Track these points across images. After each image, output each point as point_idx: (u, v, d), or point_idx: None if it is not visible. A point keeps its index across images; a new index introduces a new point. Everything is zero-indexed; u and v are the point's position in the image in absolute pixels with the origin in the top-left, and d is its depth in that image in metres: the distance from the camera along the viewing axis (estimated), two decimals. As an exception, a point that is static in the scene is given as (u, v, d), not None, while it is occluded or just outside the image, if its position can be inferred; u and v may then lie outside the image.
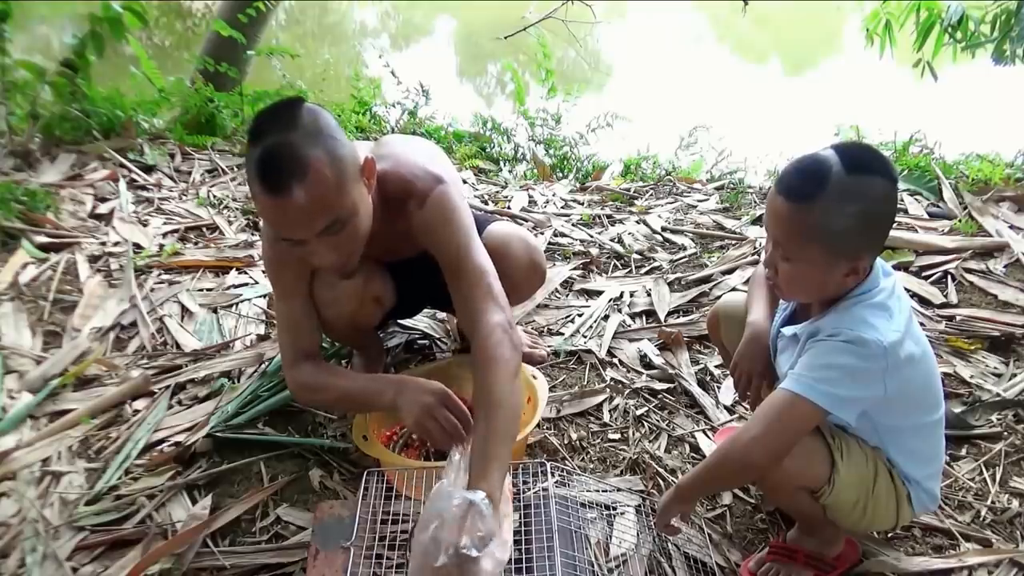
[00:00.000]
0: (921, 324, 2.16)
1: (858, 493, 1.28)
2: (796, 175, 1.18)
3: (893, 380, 1.18)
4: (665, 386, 1.96)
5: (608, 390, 1.93)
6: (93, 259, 2.53)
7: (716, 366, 2.02)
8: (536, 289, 1.87)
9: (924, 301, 2.30)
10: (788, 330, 1.32)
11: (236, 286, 2.41)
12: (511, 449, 1.30)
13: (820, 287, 1.24)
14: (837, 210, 1.13)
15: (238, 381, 1.94)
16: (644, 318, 2.30)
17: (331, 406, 1.77)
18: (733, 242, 2.75)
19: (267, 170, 1.21)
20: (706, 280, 2.47)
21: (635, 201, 3.20)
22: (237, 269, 2.51)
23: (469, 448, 1.30)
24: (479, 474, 1.21)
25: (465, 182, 3.43)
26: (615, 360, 2.07)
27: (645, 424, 1.83)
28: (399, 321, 2.11)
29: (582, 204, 3.19)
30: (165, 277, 2.45)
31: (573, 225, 2.94)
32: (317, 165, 1.22)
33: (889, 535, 1.51)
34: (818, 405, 1.17)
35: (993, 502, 1.59)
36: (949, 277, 2.41)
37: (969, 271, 2.44)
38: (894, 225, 2.73)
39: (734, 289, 2.36)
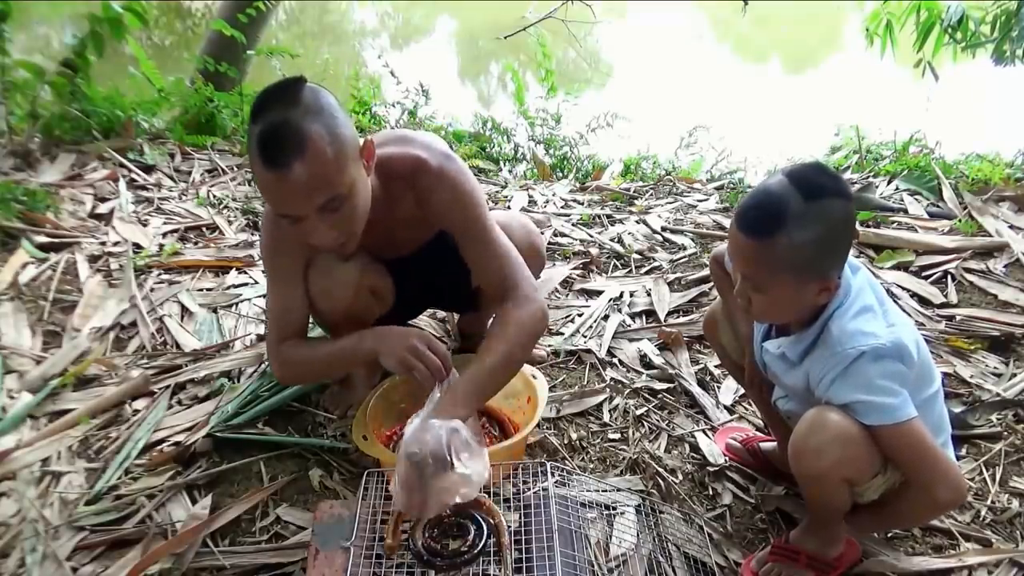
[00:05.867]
0: (921, 324, 2.16)
1: (892, 478, 1.30)
2: (754, 211, 1.19)
3: (911, 363, 1.21)
4: (665, 386, 1.96)
5: (608, 390, 1.93)
6: (93, 259, 2.53)
7: (716, 366, 2.02)
8: (536, 273, 1.87)
9: (924, 301, 2.30)
10: (772, 346, 1.35)
11: (236, 286, 2.41)
12: (489, 394, 1.43)
13: (795, 310, 1.27)
14: (799, 239, 1.15)
15: (238, 381, 1.94)
16: (644, 318, 2.30)
17: (319, 375, 1.77)
18: (733, 242, 2.74)
19: (267, 145, 1.24)
20: (706, 280, 2.46)
21: (635, 201, 3.20)
22: (237, 269, 2.51)
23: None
24: (452, 401, 1.33)
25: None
26: (615, 360, 2.07)
27: (645, 424, 1.83)
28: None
29: (582, 204, 3.19)
30: (165, 277, 2.45)
31: (573, 225, 2.94)
32: (316, 141, 1.24)
33: (889, 535, 1.51)
34: (909, 418, 1.19)
35: (993, 502, 1.59)
36: (949, 277, 2.41)
37: (969, 271, 2.44)
38: (894, 225, 2.77)
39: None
